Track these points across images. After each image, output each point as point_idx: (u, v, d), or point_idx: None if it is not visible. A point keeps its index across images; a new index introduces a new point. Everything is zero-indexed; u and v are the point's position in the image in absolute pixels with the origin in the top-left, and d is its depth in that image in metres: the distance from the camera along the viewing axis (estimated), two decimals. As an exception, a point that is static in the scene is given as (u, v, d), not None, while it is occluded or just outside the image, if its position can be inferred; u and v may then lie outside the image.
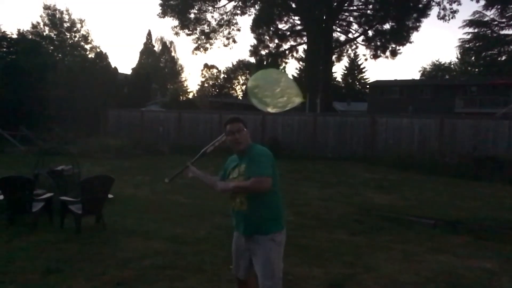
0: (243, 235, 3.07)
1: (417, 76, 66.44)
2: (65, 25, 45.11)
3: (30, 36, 36.77)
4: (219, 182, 3.15)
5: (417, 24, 28.26)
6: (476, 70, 50.45)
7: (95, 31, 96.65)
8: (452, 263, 5.13)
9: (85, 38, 45.53)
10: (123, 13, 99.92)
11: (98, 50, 40.38)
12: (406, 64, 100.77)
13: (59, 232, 6.04)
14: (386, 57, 30.33)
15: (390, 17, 28.18)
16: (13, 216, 6.17)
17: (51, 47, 39.99)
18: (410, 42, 29.18)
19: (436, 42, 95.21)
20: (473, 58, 43.84)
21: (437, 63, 59.61)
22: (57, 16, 44.84)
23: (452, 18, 27.74)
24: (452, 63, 59.07)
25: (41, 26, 44.46)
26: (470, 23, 32.90)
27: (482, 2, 30.44)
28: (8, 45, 22.69)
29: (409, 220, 7.10)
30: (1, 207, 6.40)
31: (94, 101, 21.58)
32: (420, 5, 27.49)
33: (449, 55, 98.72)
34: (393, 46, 29.67)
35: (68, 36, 45.03)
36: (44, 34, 42.66)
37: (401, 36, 28.65)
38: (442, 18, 27.79)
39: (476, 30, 33.54)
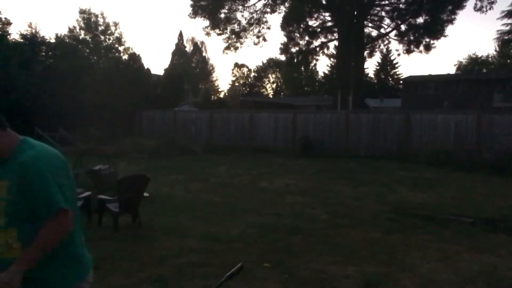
0: None
1: (452, 70, 64.59)
2: (100, 28, 46.43)
3: (67, 40, 37.96)
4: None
5: (452, 16, 27.29)
6: (516, 63, 48.59)
7: (128, 33, 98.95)
8: (492, 263, 4.98)
9: (119, 40, 46.68)
10: (155, 15, 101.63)
11: (131, 51, 41.37)
12: (441, 58, 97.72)
13: (98, 230, 6.24)
14: (420, 51, 29.51)
15: (423, 10, 27.37)
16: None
17: (87, 50, 41.17)
18: (445, 36, 28.23)
19: (472, 35, 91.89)
20: (512, 50, 42.27)
21: (474, 56, 57.66)
22: (92, 19, 46.20)
23: (489, 9, 26.65)
24: (489, 56, 57.07)
25: (77, 30, 45.94)
26: (508, 13, 31.64)
27: (522, -8, 29.27)
28: (47, 50, 23.52)
29: (446, 218, 6.92)
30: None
31: (129, 102, 22.06)
32: (456, -3, 26.63)
33: (487, 48, 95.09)
34: (427, 40, 28.81)
35: (102, 39, 46.30)
36: (80, 37, 44.01)
37: (435, 29, 27.75)
38: (479, 9, 26.75)
39: (515, 21, 32.26)
